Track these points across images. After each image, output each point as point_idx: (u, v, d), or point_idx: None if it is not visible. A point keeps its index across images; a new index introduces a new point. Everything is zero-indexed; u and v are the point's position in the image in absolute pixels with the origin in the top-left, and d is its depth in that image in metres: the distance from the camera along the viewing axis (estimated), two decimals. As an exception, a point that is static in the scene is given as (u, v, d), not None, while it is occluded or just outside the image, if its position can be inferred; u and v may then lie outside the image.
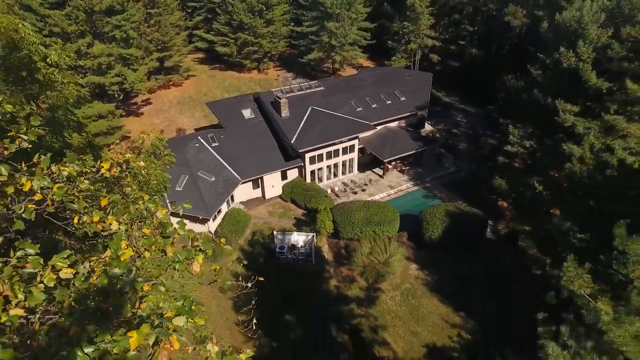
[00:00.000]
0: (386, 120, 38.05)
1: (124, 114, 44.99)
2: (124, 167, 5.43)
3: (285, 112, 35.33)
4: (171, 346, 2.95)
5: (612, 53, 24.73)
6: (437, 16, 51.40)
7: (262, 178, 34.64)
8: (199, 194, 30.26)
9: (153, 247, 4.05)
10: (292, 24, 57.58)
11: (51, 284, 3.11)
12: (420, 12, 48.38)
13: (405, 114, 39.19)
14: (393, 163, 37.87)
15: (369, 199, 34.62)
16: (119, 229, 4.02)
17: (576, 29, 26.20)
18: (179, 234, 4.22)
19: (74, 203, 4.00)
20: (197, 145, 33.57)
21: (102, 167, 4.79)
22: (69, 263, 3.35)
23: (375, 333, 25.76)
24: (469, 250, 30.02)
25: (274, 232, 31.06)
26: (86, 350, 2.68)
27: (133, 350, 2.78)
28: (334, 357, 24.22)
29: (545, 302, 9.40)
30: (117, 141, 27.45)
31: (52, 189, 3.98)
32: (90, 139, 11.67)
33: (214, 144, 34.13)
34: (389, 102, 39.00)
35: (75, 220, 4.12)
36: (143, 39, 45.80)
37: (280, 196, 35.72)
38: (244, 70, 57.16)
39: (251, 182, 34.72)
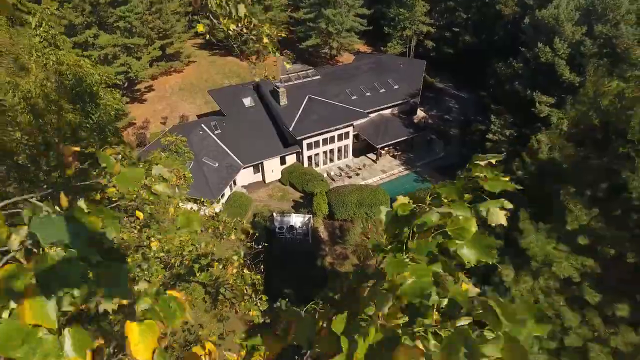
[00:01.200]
0: (379, 108, 40.67)
1: (128, 100, 47.43)
2: (183, 178, 8.35)
3: (283, 101, 37.90)
4: (232, 267, 5.97)
5: (584, 49, 27.24)
6: (432, 2, 53.19)
7: (262, 163, 37.49)
8: (204, 179, 33.18)
9: (213, 225, 7.14)
10: (290, 9, 59.35)
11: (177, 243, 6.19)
12: (416, -1, 50.30)
13: (398, 102, 41.75)
14: (386, 148, 40.66)
15: (363, 182, 37.55)
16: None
17: (553, 25, 28.61)
18: (225, 220, 7.27)
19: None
20: (200, 132, 36.30)
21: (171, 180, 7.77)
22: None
23: (366, 304, 29.09)
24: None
25: (274, 214, 34.10)
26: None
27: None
28: (328, 325, 27.59)
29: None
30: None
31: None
32: (121, 139, 14.46)
33: (216, 132, 36.84)
34: (382, 90, 41.53)
35: (171, 210, 7.10)
36: (145, 27, 47.84)
37: (279, 180, 38.63)
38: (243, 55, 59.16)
39: (252, 167, 37.58)
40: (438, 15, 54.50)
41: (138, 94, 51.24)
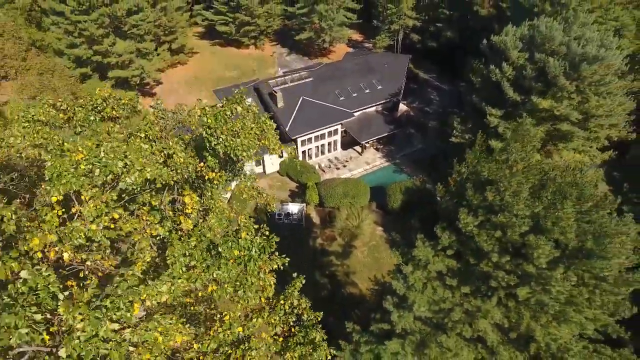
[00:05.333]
0: (364, 107, 48.15)
1: (139, 94, 54.77)
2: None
3: (280, 103, 45.45)
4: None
5: (526, 73, 34.62)
6: (418, -3, 59.35)
7: (263, 158, 45.48)
8: (215, 175, 41.34)
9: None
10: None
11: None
12: (403, -5, 56.50)
13: (381, 102, 49.18)
14: (370, 142, 48.50)
15: (349, 173, 45.81)
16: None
17: (504, 50, 35.79)
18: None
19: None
20: (210, 133, 44.04)
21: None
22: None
23: (347, 277, 38.11)
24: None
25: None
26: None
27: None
28: (317, 294, 36.58)
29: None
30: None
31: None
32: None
33: (223, 132, 44.57)
34: (367, 91, 48.94)
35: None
36: (152, 26, 54.37)
37: (278, 171, 46.80)
38: (242, 46, 65.75)
39: (254, 160, 45.56)
40: (423, 10, 60.58)
41: (148, 87, 58.45)
